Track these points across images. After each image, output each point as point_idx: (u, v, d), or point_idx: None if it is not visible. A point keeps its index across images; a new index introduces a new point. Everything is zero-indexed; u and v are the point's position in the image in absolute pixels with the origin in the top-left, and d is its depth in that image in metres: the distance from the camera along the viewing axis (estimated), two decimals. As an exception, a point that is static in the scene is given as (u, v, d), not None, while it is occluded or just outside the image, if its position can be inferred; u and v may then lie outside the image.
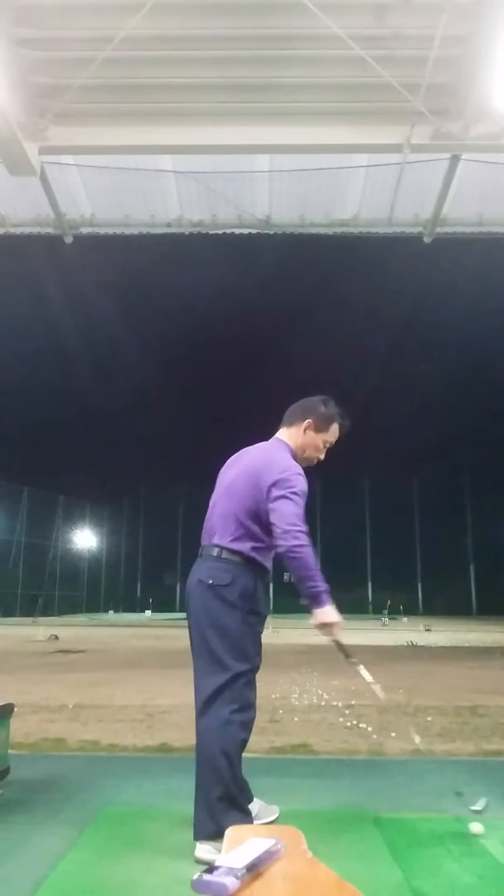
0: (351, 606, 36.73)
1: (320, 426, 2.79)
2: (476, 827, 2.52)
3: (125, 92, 3.76)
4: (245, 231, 5.02)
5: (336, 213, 4.89)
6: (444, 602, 36.98)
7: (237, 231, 5.04)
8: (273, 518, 2.51)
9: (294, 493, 2.52)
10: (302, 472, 2.65)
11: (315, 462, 2.84)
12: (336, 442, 2.87)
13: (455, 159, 4.28)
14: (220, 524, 2.65)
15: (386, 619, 26.15)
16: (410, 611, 33.36)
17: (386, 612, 28.10)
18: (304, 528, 2.49)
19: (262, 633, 2.63)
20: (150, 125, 3.87)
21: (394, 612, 29.49)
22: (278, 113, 3.82)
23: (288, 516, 2.48)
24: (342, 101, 3.77)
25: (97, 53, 3.34)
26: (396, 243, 5.39)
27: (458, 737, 4.55)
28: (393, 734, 4.58)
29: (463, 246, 5.86)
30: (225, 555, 2.58)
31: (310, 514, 2.61)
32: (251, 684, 2.54)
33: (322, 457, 2.85)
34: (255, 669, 2.56)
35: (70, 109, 3.73)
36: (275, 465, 2.64)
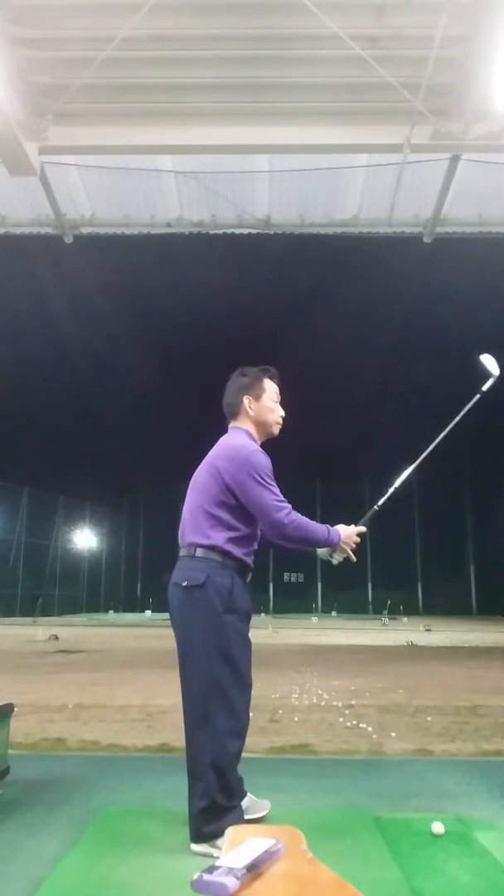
0: (351, 606, 36.76)
1: (255, 393, 2.72)
2: (437, 827, 2.52)
3: (125, 92, 3.77)
4: (245, 231, 5.03)
5: (336, 213, 4.89)
6: (444, 602, 36.91)
7: (237, 231, 5.04)
8: (256, 514, 2.48)
9: (260, 475, 2.47)
10: (258, 447, 2.60)
11: (281, 421, 2.77)
12: (281, 391, 2.80)
13: (455, 159, 4.28)
14: (189, 522, 2.57)
15: (386, 619, 26.13)
16: (410, 611, 33.33)
17: (386, 612, 28.08)
18: (285, 508, 2.45)
19: (245, 630, 2.52)
20: (150, 125, 3.88)
21: (394, 612, 29.46)
22: (278, 113, 3.83)
23: (267, 507, 2.44)
24: (342, 101, 3.77)
25: (97, 53, 3.35)
26: (396, 243, 5.39)
27: (458, 737, 4.54)
28: (393, 734, 4.57)
29: (463, 246, 5.86)
30: (199, 553, 2.48)
31: (310, 514, 2.58)
32: (238, 687, 2.43)
33: (282, 412, 2.77)
34: (240, 671, 2.45)
35: (70, 109, 3.73)
36: (226, 449, 2.60)
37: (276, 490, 2.49)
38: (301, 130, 3.86)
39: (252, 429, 2.71)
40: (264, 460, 2.53)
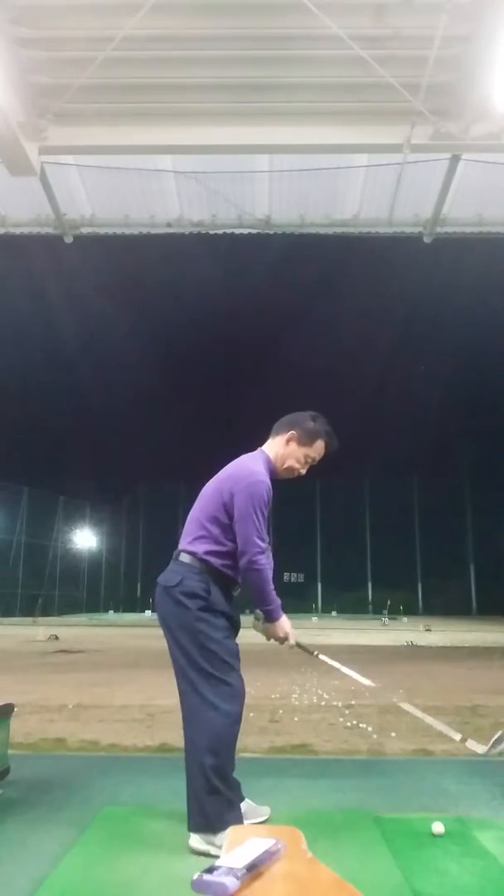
0: (351, 606, 36.78)
1: (304, 440, 2.79)
2: (438, 827, 2.53)
3: (125, 92, 3.76)
4: (245, 231, 5.03)
5: (336, 213, 4.90)
6: (444, 602, 36.92)
7: (237, 231, 5.04)
8: (237, 535, 2.58)
9: (255, 507, 2.56)
10: (266, 479, 2.66)
11: (295, 475, 2.84)
12: (320, 460, 2.86)
13: (455, 159, 4.28)
14: (186, 528, 2.73)
15: (386, 619, 26.13)
16: (410, 611, 33.35)
17: (386, 612, 28.10)
18: (261, 546, 2.55)
19: (225, 625, 2.60)
20: (150, 125, 3.88)
21: (394, 612, 29.48)
22: (278, 113, 3.82)
23: (248, 538, 2.54)
24: (342, 101, 3.77)
25: (97, 53, 3.35)
26: (396, 243, 5.40)
27: (458, 737, 4.54)
28: (393, 734, 4.57)
29: (463, 246, 5.87)
30: (181, 557, 2.64)
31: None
32: (228, 671, 2.52)
33: (303, 471, 2.84)
34: (227, 660, 2.53)
35: (70, 109, 3.73)
36: (239, 470, 2.70)
37: (263, 529, 2.58)
38: (301, 130, 3.86)
39: (273, 457, 2.79)
40: (265, 493, 2.61)
